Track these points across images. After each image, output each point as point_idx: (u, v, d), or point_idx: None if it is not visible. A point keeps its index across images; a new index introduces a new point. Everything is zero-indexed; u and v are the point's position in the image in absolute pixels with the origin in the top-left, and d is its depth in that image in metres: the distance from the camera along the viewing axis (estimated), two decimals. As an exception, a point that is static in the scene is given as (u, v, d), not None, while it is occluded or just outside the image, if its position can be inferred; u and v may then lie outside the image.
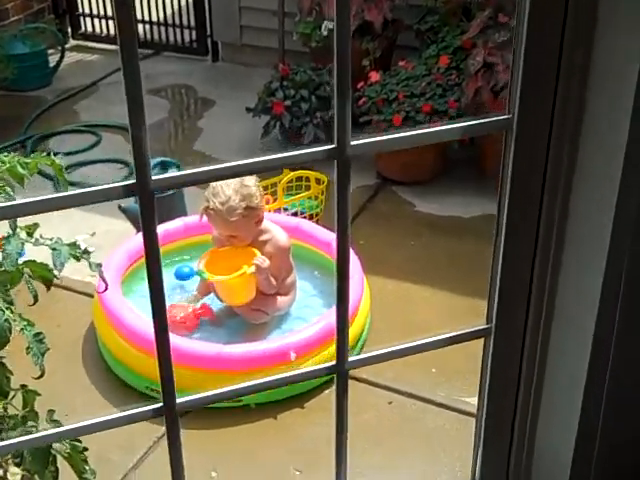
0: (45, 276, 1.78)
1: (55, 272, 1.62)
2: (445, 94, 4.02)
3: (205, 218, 3.10)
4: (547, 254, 1.15)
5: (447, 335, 1.36)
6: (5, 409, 1.78)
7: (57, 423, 1.77)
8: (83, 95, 5.37)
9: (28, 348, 1.54)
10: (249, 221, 3.08)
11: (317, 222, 3.70)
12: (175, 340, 2.93)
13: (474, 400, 2.97)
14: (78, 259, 1.68)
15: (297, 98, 4.27)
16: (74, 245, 1.66)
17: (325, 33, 4.55)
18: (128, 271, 3.34)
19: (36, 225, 1.65)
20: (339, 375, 1.29)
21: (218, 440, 2.86)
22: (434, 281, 3.52)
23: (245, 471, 2.78)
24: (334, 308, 3.08)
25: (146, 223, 1.01)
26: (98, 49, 5.97)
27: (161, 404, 1.15)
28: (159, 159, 3.77)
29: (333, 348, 3.00)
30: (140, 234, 3.44)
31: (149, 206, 1.02)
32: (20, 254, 1.60)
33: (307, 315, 3.28)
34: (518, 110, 1.07)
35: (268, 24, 5.09)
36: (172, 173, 1.07)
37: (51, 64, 5.55)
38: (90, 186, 3.72)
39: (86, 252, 1.67)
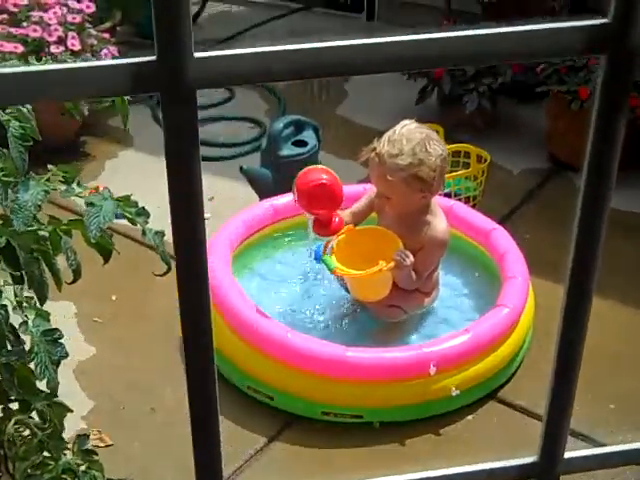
0: (101, 244, 1.23)
1: (90, 238, 1.06)
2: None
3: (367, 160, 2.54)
4: None
5: None
6: (23, 425, 1.25)
7: (90, 455, 1.23)
8: (221, 47, 4.88)
9: (31, 351, 0.99)
10: (411, 192, 2.47)
11: (474, 207, 3.06)
12: (285, 334, 2.37)
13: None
14: (133, 222, 1.12)
15: (461, 60, 3.62)
16: (127, 200, 1.10)
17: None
18: (243, 244, 2.81)
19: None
20: (543, 478, 0.66)
21: (331, 461, 2.31)
22: (617, 294, 2.80)
23: (360, 507, 2.21)
24: (490, 314, 2.44)
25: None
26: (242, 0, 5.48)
27: None
28: (294, 117, 3.21)
29: (482, 365, 2.40)
30: (262, 202, 2.70)
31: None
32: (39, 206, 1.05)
33: (453, 319, 2.65)
34: None
35: (433, -22, 4.46)
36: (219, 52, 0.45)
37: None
38: (218, 144, 3.11)
39: (143, 213, 1.10)
